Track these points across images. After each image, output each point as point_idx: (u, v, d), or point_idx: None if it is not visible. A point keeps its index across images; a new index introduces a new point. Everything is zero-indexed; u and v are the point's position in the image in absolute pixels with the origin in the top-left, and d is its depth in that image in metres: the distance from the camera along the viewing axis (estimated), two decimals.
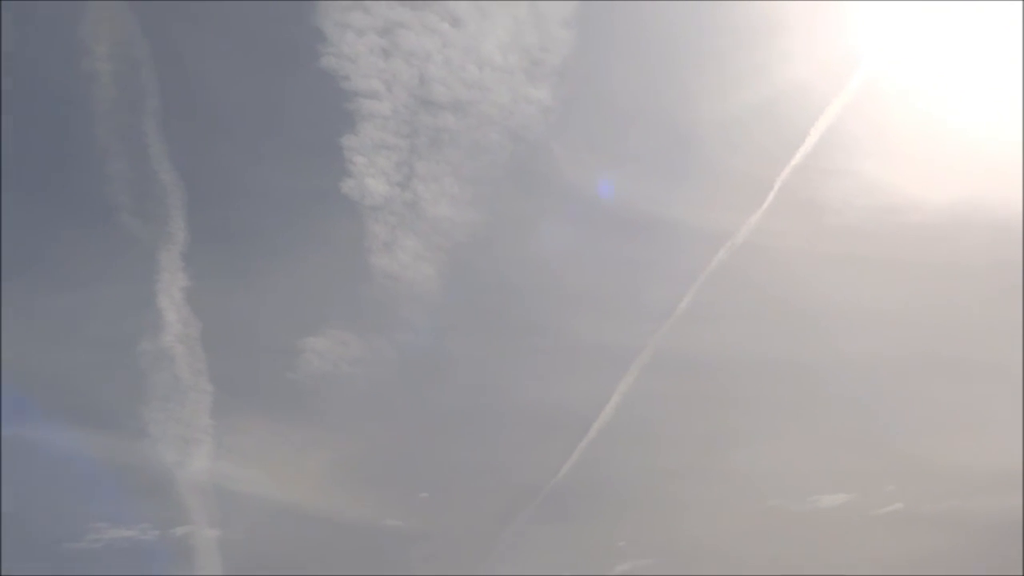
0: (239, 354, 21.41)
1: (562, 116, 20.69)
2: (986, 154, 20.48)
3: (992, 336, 20.72)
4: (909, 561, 20.91)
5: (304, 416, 21.53)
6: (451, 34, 20.57)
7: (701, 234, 20.72)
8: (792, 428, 21.59)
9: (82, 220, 21.16)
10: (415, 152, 20.79)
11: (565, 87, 20.42)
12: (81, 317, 21.38)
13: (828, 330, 21.24)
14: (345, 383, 21.39)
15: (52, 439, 21.45)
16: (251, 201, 21.56)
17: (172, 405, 20.80)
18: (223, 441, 21.06)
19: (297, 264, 21.49)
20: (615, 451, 21.05)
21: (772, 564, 21.24)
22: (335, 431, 21.66)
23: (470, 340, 21.99)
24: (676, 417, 21.39)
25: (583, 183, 21.31)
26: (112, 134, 20.58)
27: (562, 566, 21.53)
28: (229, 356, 21.12)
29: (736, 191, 20.77)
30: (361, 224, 20.66)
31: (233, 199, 21.60)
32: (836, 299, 21.27)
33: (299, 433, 21.60)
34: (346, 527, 21.61)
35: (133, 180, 20.59)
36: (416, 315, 21.34)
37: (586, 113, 21.19)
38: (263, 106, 21.38)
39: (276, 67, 21.15)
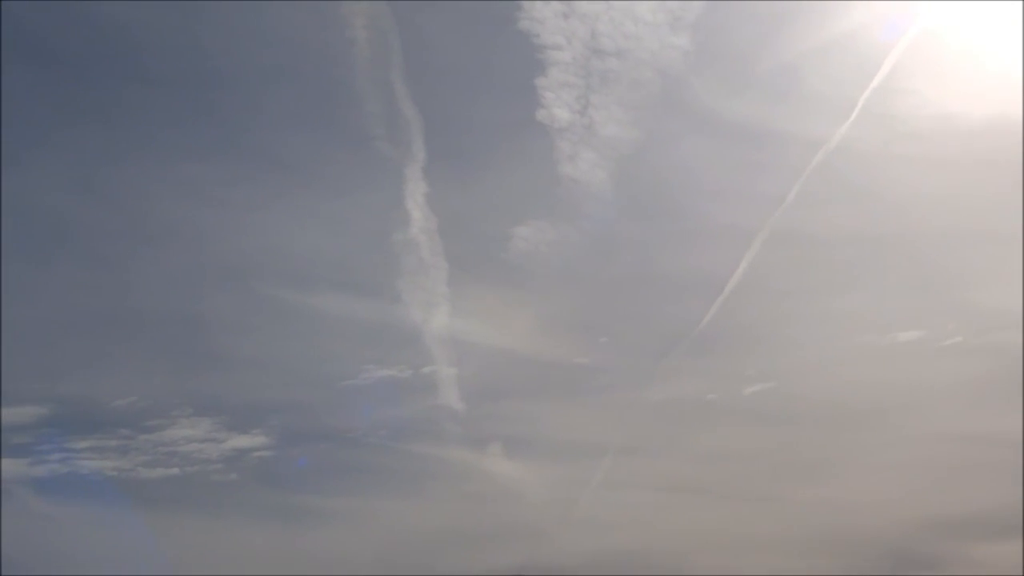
0: (466, 240, 29.37)
1: (697, 57, 28.19)
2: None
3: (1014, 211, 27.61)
4: (966, 385, 28.12)
5: (515, 285, 29.39)
6: (613, 1, 28.24)
7: (804, 140, 27.99)
8: (877, 282, 28.93)
9: (350, 146, 29.33)
10: (590, 88, 28.28)
11: (699, 36, 27.91)
12: (351, 216, 29.65)
13: (901, 208, 28.42)
14: (544, 260, 29.23)
15: (332, 305, 29.71)
16: (472, 128, 29.63)
17: (419, 278, 28.78)
18: (456, 304, 28.97)
19: (506, 174, 29.44)
20: (743, 304, 28.43)
21: (864, 387, 28.57)
22: (538, 295, 29.48)
23: (633, 226, 29.75)
24: (790, 277, 28.83)
25: (714, 107, 28.81)
26: (369, 83, 28.59)
27: (707, 390, 29.21)
28: (459, 242, 28.98)
29: (829, 108, 28.08)
30: (552, 142, 28.37)
31: (458, 128, 29.67)
32: (906, 186, 28.43)
33: (511, 297, 29.45)
34: (547, 364, 29.46)
35: (386, 116, 28.57)
36: (594, 208, 29.01)
37: (714, 54, 28.59)
38: (478, 59, 29.37)
39: (486, 29, 29.10)
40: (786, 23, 28.09)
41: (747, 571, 26.33)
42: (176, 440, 29.03)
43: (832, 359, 28.60)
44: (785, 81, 28.36)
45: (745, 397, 28.80)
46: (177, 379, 29.61)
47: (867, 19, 27.63)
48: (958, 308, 28.23)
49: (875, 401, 28.07)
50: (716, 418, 28.61)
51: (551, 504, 27.96)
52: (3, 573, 24.39)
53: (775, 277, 28.39)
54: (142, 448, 28.78)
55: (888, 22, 27.63)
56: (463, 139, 29.59)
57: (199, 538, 27.86)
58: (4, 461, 27.90)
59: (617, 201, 28.90)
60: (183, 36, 28.57)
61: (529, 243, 28.92)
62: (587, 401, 29.27)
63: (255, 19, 28.70)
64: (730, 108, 28.60)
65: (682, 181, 29.34)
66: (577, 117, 28.28)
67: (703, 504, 27.74)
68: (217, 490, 28.58)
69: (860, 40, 27.69)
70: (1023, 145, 27.32)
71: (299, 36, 29.01)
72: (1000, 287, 27.93)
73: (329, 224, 29.61)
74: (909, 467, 27.55)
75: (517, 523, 27.82)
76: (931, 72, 27.70)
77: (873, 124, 27.61)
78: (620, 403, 28.98)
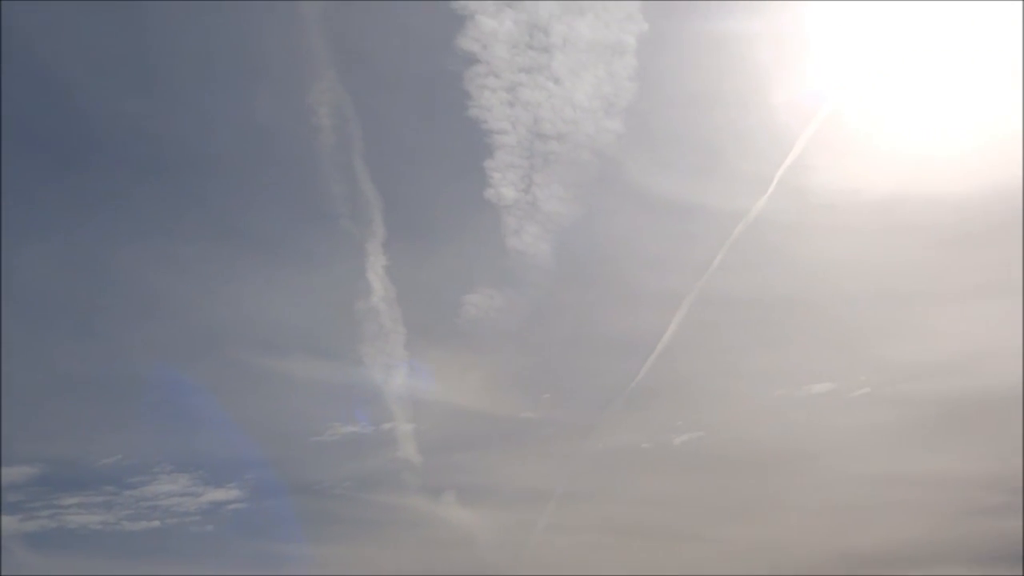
0: (422, 308, 32.23)
1: (629, 139, 31.36)
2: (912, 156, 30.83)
3: (930, 270, 30.81)
4: (874, 431, 31.21)
5: (466, 347, 32.29)
6: (554, 89, 31.32)
7: (726, 212, 31.12)
8: (793, 339, 32.04)
9: (317, 224, 32.29)
10: (533, 168, 31.33)
11: (631, 119, 31.08)
12: (318, 287, 32.54)
13: (814, 273, 31.54)
14: (492, 324, 32.14)
15: (301, 368, 32.57)
16: (427, 206, 32.66)
17: (379, 343, 31.62)
18: (413, 366, 31.88)
19: (457, 247, 32.46)
20: (673, 361, 31.39)
21: (783, 435, 31.58)
22: (487, 356, 32.42)
23: (573, 292, 32.79)
24: (715, 336, 31.86)
25: (646, 183, 31.93)
26: (333, 166, 31.58)
27: (641, 440, 32.14)
28: (415, 309, 31.83)
29: (748, 184, 31.26)
30: (499, 218, 31.38)
31: (414, 206, 32.67)
32: (818, 253, 31.59)
33: (463, 358, 32.39)
34: (496, 419, 32.37)
35: (348, 196, 31.52)
36: (537, 277, 31.98)
37: (645, 136, 31.77)
38: (432, 143, 32.47)
39: (438, 116, 32.22)
40: (709, 107, 31.32)
41: None
42: (157, 495, 31.73)
43: (753, 410, 31.61)
44: (709, 159, 31.54)
45: (676, 446, 31.81)
46: (158, 438, 32.33)
47: (781, 103, 30.87)
48: (866, 362, 31.30)
49: (793, 448, 31.13)
50: (650, 465, 31.58)
51: (502, 547, 30.72)
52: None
53: (702, 337, 31.42)
54: (126, 503, 31.47)
55: (800, 106, 30.88)
56: (419, 216, 32.63)
57: None
58: None
59: (559, 270, 31.94)
60: (167, 127, 31.56)
61: (479, 309, 31.88)
62: (533, 452, 32.18)
63: (231, 110, 31.78)
64: (660, 184, 31.70)
65: (617, 251, 32.42)
66: (521, 195, 31.36)
67: (639, 544, 30.61)
68: (195, 540, 31.28)
69: (775, 122, 30.88)
70: (923, 214, 30.59)
71: (270, 125, 32.06)
72: (904, 342, 31.14)
73: (298, 295, 32.55)
74: (825, 507, 30.50)
75: (471, 565, 30.56)
76: (839, 150, 30.84)
77: (788, 197, 30.71)
78: (563, 453, 31.94)
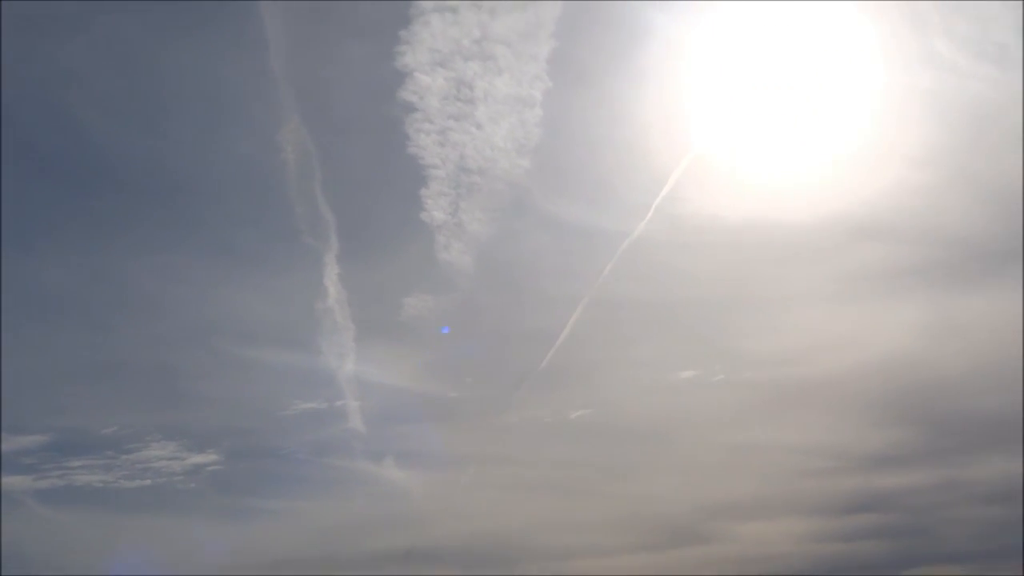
0: (369, 308, 39.79)
1: (537, 173, 39.09)
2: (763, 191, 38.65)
3: (774, 281, 38.69)
4: (729, 408, 39.10)
5: (404, 340, 39.94)
6: (477, 133, 38.91)
7: (613, 233, 38.79)
8: (666, 335, 39.95)
9: (284, 239, 39.79)
10: (459, 196, 38.88)
11: (538, 157, 38.78)
12: (284, 291, 40.03)
13: (682, 282, 39.37)
14: (426, 321, 39.77)
15: (269, 356, 40.00)
16: (374, 226, 40.32)
17: (333, 336, 39.13)
18: (361, 355, 39.40)
19: (398, 259, 40.08)
20: (570, 352, 39.02)
21: (656, 412, 39.41)
22: (421, 347, 40.11)
23: (490, 296, 40.53)
24: (603, 332, 39.65)
25: (550, 209, 39.69)
26: (297, 192, 39.01)
27: (544, 415, 39.92)
28: (363, 309, 39.32)
29: (631, 210, 38.99)
30: (432, 236, 39.01)
31: (363, 226, 40.31)
32: (685, 266, 39.37)
33: (402, 349, 40.05)
34: (428, 397, 40.00)
35: (310, 217, 38.95)
36: (462, 284, 39.71)
37: (549, 171, 39.53)
38: (378, 175, 40.05)
39: (383, 153, 39.77)
40: (600, 148, 39.09)
41: (574, 544, 36.83)
42: (149, 459, 39.06)
43: (634, 391, 39.47)
44: (600, 190, 39.28)
45: (571, 420, 39.61)
46: (150, 413, 39.67)
47: (658, 146, 38.63)
48: (722, 354, 39.23)
49: (664, 422, 38.96)
50: (551, 435, 39.29)
51: (432, 501, 38.23)
52: (4, 573, 33.61)
53: (593, 332, 39.10)
54: (123, 465, 38.77)
55: (673, 149, 38.64)
56: (367, 234, 40.26)
57: (167, 533, 37.95)
58: (16, 479, 37.88)
59: (479, 278, 39.56)
60: (164, 160, 38.94)
61: (415, 309, 39.47)
62: (458, 424, 39.86)
63: (216, 147, 39.29)
64: (561, 210, 39.45)
65: (526, 263, 40.25)
66: (449, 217, 38.92)
67: (542, 498, 38.29)
68: (180, 496, 38.65)
69: (653, 161, 38.62)
70: (769, 236, 38.48)
71: (246, 157, 39.55)
72: (752, 338, 39.10)
73: (267, 296, 40.08)
74: (689, 468, 38.31)
75: (407, 516, 38.10)
76: (704, 184, 38.54)
77: (663, 222, 38.35)
78: (481, 425, 39.64)
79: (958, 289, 36.74)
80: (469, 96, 38.29)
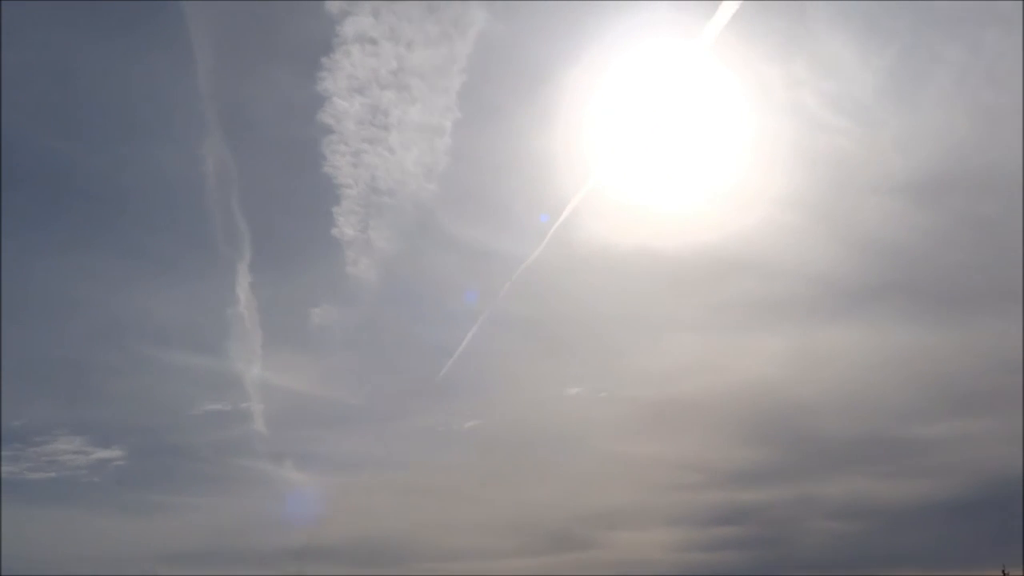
0: (277, 316, 42.03)
1: (443, 197, 41.97)
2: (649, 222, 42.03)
3: (656, 305, 41.97)
4: (610, 423, 42.08)
5: (310, 348, 42.24)
6: (389, 157, 41.69)
7: (512, 256, 41.75)
8: (555, 353, 42.90)
9: (200, 247, 41.93)
10: (369, 215, 41.57)
11: (444, 183, 41.68)
12: (197, 296, 42.10)
13: (573, 304, 42.49)
14: (331, 332, 42.11)
15: (180, 358, 41.93)
16: (286, 239, 42.66)
17: (242, 341, 41.22)
18: (268, 361, 41.50)
19: (308, 271, 42.47)
20: (466, 365, 41.69)
21: (544, 425, 42.21)
22: (326, 356, 42.42)
23: (394, 310, 43.09)
24: (498, 348, 42.45)
25: (453, 231, 42.55)
26: (215, 204, 41.23)
27: (439, 424, 42.43)
28: (272, 317, 41.55)
29: (529, 236, 41.97)
30: (341, 251, 41.54)
31: (276, 238, 42.62)
32: (577, 289, 42.52)
33: (307, 357, 42.32)
34: (330, 403, 42.30)
35: (225, 228, 41.17)
36: (367, 297, 42.21)
37: (453, 196, 42.46)
38: (293, 191, 42.56)
39: (299, 171, 42.29)
40: (503, 176, 42.13)
41: (461, 546, 39.20)
42: (55, 452, 40.52)
43: (523, 405, 42.24)
44: (501, 216, 42.27)
45: (465, 429, 42.14)
46: (59, 408, 41.20)
47: (556, 177, 41.78)
48: (607, 372, 42.29)
49: (551, 434, 41.75)
50: (444, 443, 41.78)
51: (328, 501, 40.31)
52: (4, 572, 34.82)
53: (489, 348, 41.87)
54: (30, 457, 40.16)
55: (570, 180, 41.78)
56: (280, 246, 42.57)
57: (70, 525, 39.43)
58: None
59: (384, 292, 42.14)
60: (87, 168, 40.88)
61: (322, 320, 41.78)
62: (357, 430, 42.12)
63: (138, 158, 41.36)
64: (464, 232, 42.33)
65: (429, 280, 42.96)
66: (359, 234, 41.45)
67: (432, 502, 40.63)
68: (85, 489, 40.18)
69: (551, 190, 41.75)
70: (653, 264, 41.74)
71: (168, 167, 41.69)
72: (635, 358, 42.25)
73: (181, 302, 42.05)
74: (571, 478, 41.05)
75: (304, 515, 40.04)
76: (597, 214, 41.81)
77: (558, 247, 41.36)
78: (379, 432, 41.95)
79: (818, 322, 40.43)
80: (383, 122, 41.23)
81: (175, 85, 39.66)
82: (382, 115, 41.10)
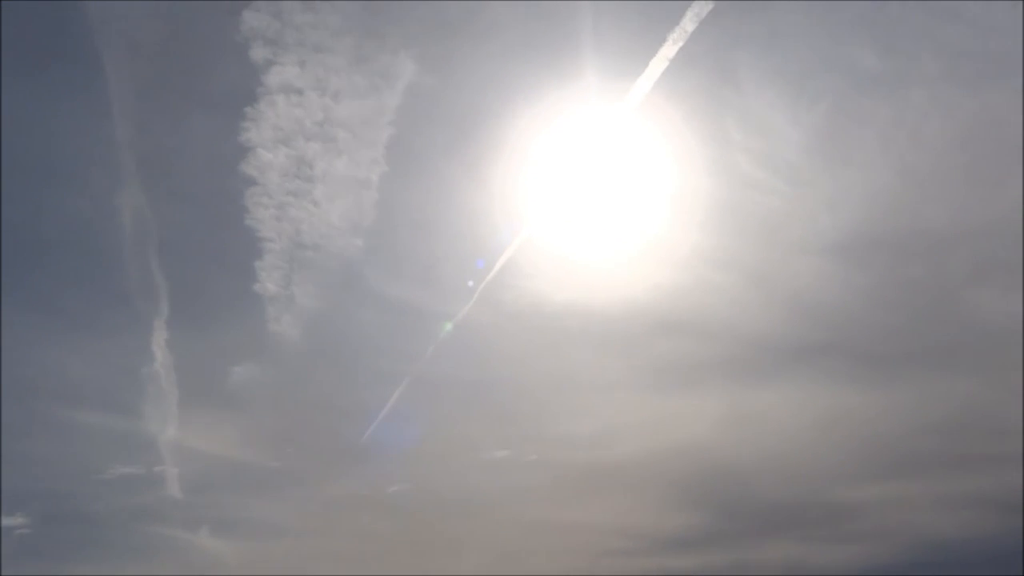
0: (195, 375, 40.46)
1: (369, 253, 40.86)
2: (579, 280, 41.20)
3: (583, 367, 41.02)
4: (539, 488, 40.86)
5: (229, 408, 40.65)
6: (314, 210, 40.54)
7: (439, 315, 40.66)
8: (482, 415, 41.69)
9: (116, 302, 40.30)
10: (292, 270, 40.33)
11: (371, 238, 40.59)
12: (112, 353, 40.36)
13: (501, 364, 41.37)
14: (251, 391, 40.62)
15: (91, 418, 40.07)
16: (206, 294, 41.19)
17: (157, 401, 39.60)
18: (184, 421, 39.93)
19: (228, 327, 40.99)
20: (391, 427, 40.41)
21: (469, 490, 40.87)
22: (245, 416, 40.87)
23: (317, 369, 41.65)
24: (424, 409, 41.14)
25: (379, 288, 41.35)
26: (133, 258, 39.73)
27: (362, 488, 40.93)
28: (189, 376, 40.06)
29: (457, 294, 40.94)
30: (264, 307, 40.20)
31: (196, 293, 41.16)
32: (505, 349, 41.46)
33: (226, 417, 40.70)
34: (249, 466, 40.65)
35: (143, 282, 39.68)
36: (290, 355, 40.81)
37: (380, 252, 41.33)
38: (214, 244, 41.15)
39: (221, 224, 40.94)
40: (430, 232, 41.12)
41: None
42: None
43: (449, 468, 40.92)
44: (429, 272, 41.18)
45: (388, 494, 40.69)
46: None
47: (485, 235, 40.85)
48: (536, 435, 41.16)
49: (477, 499, 40.41)
50: (367, 509, 40.28)
51: (247, 570, 38.60)
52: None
53: (414, 409, 40.56)
54: None
55: (498, 239, 40.91)
56: (199, 301, 41.06)
57: None
58: None
59: (307, 351, 40.77)
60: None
61: (242, 379, 40.29)
62: (277, 495, 40.42)
63: (55, 208, 39.82)
64: (390, 289, 41.16)
65: (354, 339, 41.63)
66: (282, 290, 40.17)
67: (354, 570, 38.98)
68: None
69: (479, 248, 40.78)
70: (581, 324, 40.89)
71: (82, 218, 40.14)
72: (563, 421, 41.22)
73: (93, 358, 40.24)
74: (498, 545, 39.76)
75: None
76: (524, 274, 40.87)
77: (486, 305, 40.43)
78: (300, 497, 40.35)
79: (749, 383, 39.73)
80: (309, 175, 40.16)
81: (91, 133, 38.20)
82: (307, 167, 40.05)
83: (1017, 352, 36.11)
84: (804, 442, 39.01)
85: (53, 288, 40.63)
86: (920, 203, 36.90)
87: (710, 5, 37.75)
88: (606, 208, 40.27)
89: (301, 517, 39.65)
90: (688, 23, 38.01)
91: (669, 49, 38.01)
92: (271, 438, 40.65)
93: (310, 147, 40.06)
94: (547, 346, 40.89)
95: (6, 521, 38.15)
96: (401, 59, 40.25)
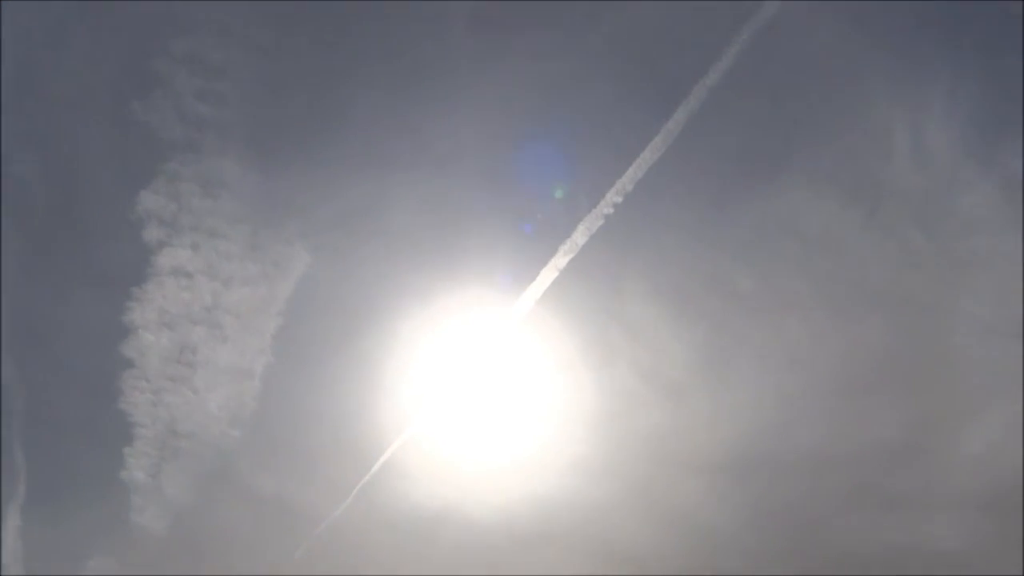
0: (45, 566, 38.11)
1: (246, 445, 39.76)
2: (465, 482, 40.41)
3: None
4: None
5: None
6: (192, 397, 39.67)
7: (311, 515, 39.28)
8: None
9: None
10: (163, 459, 38.89)
11: (248, 430, 39.63)
12: None
13: (374, 567, 39.68)
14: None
15: None
16: (65, 479, 39.42)
17: None
18: None
19: (86, 517, 38.89)
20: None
21: None
22: None
23: (180, 564, 39.61)
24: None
25: (252, 482, 40.03)
26: None
27: None
28: (39, 566, 37.70)
29: (333, 491, 39.77)
30: (128, 495, 38.48)
31: (55, 476, 39.35)
32: (383, 553, 39.97)
33: None
34: None
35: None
36: (150, 550, 38.85)
37: (258, 445, 40.24)
38: (83, 427, 39.63)
39: (95, 406, 39.62)
40: (310, 427, 40.29)
41: None
42: None
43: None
44: (307, 468, 40.09)
45: None
46: None
47: (366, 431, 40.12)
48: None
49: None
50: None
51: None
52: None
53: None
54: None
55: (380, 434, 40.23)
56: (59, 486, 39.23)
57: None
58: None
59: (171, 545, 38.97)
60: None
61: (96, 572, 38.12)
62: None
63: None
64: (265, 484, 39.84)
65: (221, 535, 39.78)
66: (150, 479, 38.73)
67: None
68: None
69: (360, 444, 39.99)
70: (462, 530, 39.78)
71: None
72: None
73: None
74: None
75: None
76: (405, 473, 39.94)
77: (362, 505, 39.26)
78: None
79: None
80: (191, 360, 39.66)
81: None
82: (190, 352, 39.59)
83: None
84: None
85: None
86: (791, 427, 37.44)
87: (600, 221, 39.21)
88: (490, 413, 40.17)
89: None
90: (579, 236, 39.32)
91: (560, 260, 39.16)
92: None
93: (195, 332, 39.74)
94: (419, 553, 39.52)
95: None
96: (297, 248, 40.72)
